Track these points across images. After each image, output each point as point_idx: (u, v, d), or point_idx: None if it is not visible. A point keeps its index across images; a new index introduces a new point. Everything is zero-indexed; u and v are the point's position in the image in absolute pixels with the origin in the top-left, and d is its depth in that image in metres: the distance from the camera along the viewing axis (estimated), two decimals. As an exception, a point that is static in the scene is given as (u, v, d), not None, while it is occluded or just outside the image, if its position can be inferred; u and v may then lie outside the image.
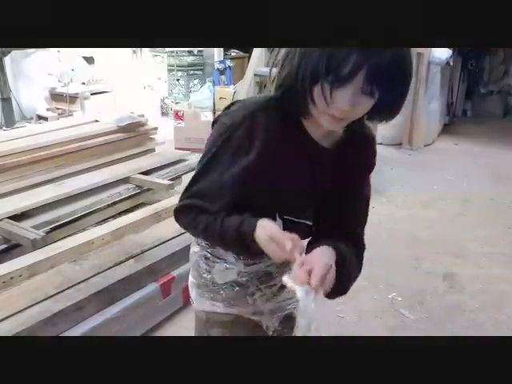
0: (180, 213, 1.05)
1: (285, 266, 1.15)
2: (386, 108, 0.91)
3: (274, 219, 1.01)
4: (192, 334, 1.93)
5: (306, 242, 1.14)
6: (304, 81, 0.86)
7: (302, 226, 1.08)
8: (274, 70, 0.96)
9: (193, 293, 1.21)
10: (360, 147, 1.04)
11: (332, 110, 0.87)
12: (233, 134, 0.96)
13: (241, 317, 1.16)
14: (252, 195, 0.99)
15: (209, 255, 1.15)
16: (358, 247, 1.07)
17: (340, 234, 1.02)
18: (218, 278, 1.13)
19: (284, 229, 1.01)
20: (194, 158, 4.02)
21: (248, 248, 0.97)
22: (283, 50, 0.94)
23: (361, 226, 1.10)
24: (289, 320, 1.22)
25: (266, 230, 0.93)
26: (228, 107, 1.03)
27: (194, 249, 1.20)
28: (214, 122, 1.04)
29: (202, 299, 1.17)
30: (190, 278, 1.22)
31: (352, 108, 0.85)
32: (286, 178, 1.00)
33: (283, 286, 1.17)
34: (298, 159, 1.00)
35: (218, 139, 0.98)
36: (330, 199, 1.05)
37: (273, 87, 0.96)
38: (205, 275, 1.15)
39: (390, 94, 0.86)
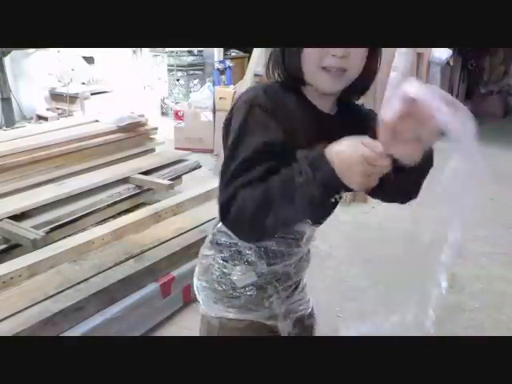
0: (225, 208, 0.87)
1: (300, 265, 1.13)
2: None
3: None
4: (192, 333, 1.93)
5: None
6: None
7: None
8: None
9: (202, 297, 1.15)
10: (363, 115, 1.03)
11: (325, 60, 0.90)
12: (254, 104, 0.92)
13: (256, 322, 1.11)
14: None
15: (227, 256, 1.08)
16: None
17: None
18: (237, 281, 1.08)
19: None
20: (194, 158, 4.01)
21: (325, 190, 0.80)
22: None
23: None
24: (300, 322, 1.20)
25: (342, 150, 0.79)
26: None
27: (207, 252, 1.13)
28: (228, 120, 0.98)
29: (216, 305, 1.11)
30: (200, 282, 1.15)
31: (343, 52, 0.88)
32: (295, 144, 0.92)
33: (296, 288, 1.16)
34: (303, 125, 0.96)
35: (241, 113, 0.92)
36: None
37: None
38: (222, 280, 1.09)
39: None
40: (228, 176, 0.88)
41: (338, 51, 0.88)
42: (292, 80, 0.97)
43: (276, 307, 1.13)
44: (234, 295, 1.09)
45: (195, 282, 1.18)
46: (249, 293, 1.08)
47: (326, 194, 0.80)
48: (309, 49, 0.91)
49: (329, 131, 0.93)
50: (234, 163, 0.87)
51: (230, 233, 1.04)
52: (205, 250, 1.14)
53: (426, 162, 0.89)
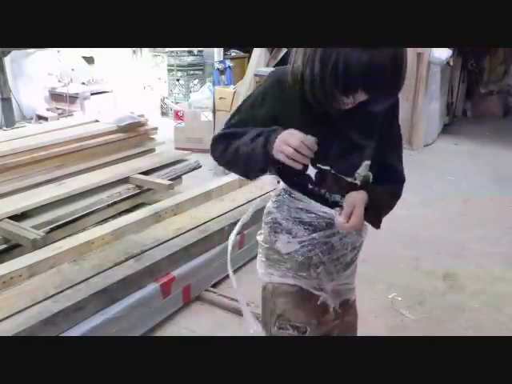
0: (214, 143, 1.20)
1: (344, 241, 1.26)
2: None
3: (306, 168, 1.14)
4: (192, 334, 1.93)
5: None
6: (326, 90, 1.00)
7: (332, 173, 1.17)
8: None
9: (260, 269, 1.31)
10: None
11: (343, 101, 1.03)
12: (259, 93, 1.16)
13: (305, 290, 1.25)
14: None
15: (272, 228, 1.26)
16: (393, 179, 1.29)
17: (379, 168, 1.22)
18: (282, 248, 1.24)
19: (317, 176, 1.16)
20: (194, 158, 4.01)
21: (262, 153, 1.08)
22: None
23: (395, 156, 1.29)
24: (345, 306, 1.34)
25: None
26: None
27: (261, 231, 1.32)
28: None
29: (270, 270, 1.28)
30: (259, 256, 1.33)
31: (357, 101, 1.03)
32: (305, 127, 1.09)
33: (346, 268, 1.29)
34: (312, 111, 1.08)
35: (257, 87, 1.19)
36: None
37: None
38: (272, 248, 1.27)
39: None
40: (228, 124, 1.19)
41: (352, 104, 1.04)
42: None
43: (324, 280, 1.25)
44: (282, 260, 1.25)
45: (257, 259, 1.34)
46: (294, 259, 1.24)
47: (261, 156, 1.09)
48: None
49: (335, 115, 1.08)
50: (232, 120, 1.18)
51: (272, 210, 1.27)
52: (260, 232, 1.33)
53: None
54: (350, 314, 1.36)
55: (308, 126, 1.09)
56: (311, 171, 1.17)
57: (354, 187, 1.19)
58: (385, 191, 1.24)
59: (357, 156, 1.18)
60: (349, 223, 1.13)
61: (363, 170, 1.19)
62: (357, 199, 1.15)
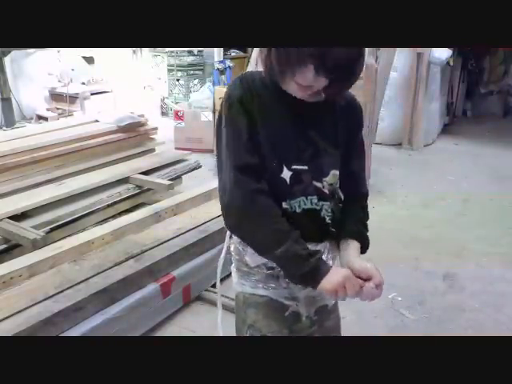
0: (243, 208, 1.12)
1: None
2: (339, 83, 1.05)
3: (281, 171, 1.15)
4: (192, 334, 1.93)
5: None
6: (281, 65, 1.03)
7: (308, 173, 1.17)
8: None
9: (234, 278, 1.32)
10: (347, 104, 1.21)
11: (296, 81, 1.05)
12: (233, 101, 1.11)
13: (274, 300, 1.24)
14: (261, 153, 1.12)
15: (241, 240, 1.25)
16: (357, 191, 1.29)
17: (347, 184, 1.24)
18: (250, 261, 1.24)
19: (292, 178, 1.15)
20: (194, 158, 4.02)
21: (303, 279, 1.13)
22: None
23: (358, 166, 1.29)
24: (322, 312, 1.31)
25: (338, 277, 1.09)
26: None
27: (232, 240, 1.30)
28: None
29: (240, 281, 1.28)
30: (232, 265, 1.32)
31: (310, 82, 1.03)
32: (278, 128, 1.14)
33: None
34: (276, 112, 1.14)
35: (225, 112, 1.13)
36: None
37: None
38: (241, 260, 1.26)
39: (341, 77, 1.02)
40: (232, 178, 1.11)
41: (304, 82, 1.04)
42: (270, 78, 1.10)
43: (295, 289, 1.23)
44: (251, 273, 1.25)
45: (231, 268, 1.33)
46: (262, 271, 1.23)
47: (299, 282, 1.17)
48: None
49: (303, 116, 1.15)
50: (231, 168, 1.11)
51: None
52: (231, 240, 1.31)
53: None
54: (330, 319, 1.34)
55: (281, 127, 1.13)
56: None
57: (321, 193, 1.19)
58: (361, 222, 1.30)
59: (325, 162, 1.19)
60: (378, 291, 1.12)
61: (331, 179, 1.20)
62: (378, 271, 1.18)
